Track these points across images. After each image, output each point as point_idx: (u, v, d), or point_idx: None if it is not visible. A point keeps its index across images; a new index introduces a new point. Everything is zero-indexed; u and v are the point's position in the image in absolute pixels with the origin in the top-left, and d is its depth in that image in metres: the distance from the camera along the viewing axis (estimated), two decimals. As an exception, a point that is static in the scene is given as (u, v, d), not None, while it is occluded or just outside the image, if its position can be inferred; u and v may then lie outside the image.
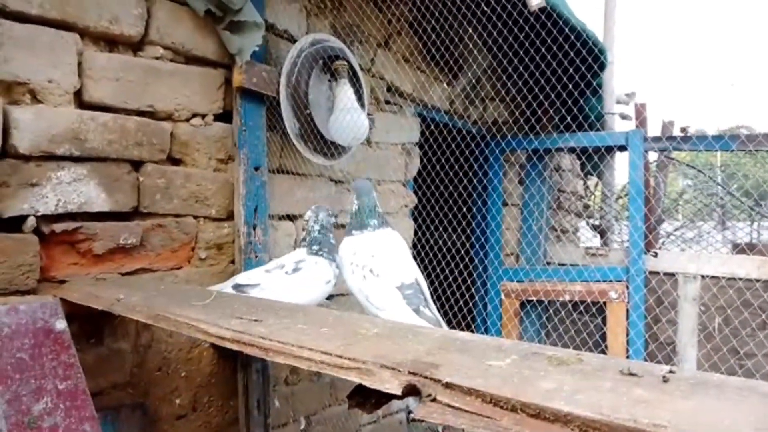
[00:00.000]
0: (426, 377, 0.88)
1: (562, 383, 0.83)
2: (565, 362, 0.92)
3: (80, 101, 1.89)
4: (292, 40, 2.65)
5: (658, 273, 3.97)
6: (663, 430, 0.68)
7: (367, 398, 0.99)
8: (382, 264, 1.89)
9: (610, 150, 4.55)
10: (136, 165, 2.05)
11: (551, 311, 4.36)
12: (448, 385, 0.85)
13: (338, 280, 2.12)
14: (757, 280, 3.62)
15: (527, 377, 0.85)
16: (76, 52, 1.86)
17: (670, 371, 0.86)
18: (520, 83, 3.64)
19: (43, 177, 1.77)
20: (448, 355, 0.97)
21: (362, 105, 2.73)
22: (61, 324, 1.56)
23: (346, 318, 1.29)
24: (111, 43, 2.00)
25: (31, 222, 1.75)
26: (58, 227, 1.81)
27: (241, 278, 2.06)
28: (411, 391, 0.89)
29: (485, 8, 3.09)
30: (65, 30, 1.84)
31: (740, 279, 3.66)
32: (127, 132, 1.99)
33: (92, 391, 1.57)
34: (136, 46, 2.07)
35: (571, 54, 3.37)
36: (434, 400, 0.85)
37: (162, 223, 2.12)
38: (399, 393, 0.89)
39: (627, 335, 3.89)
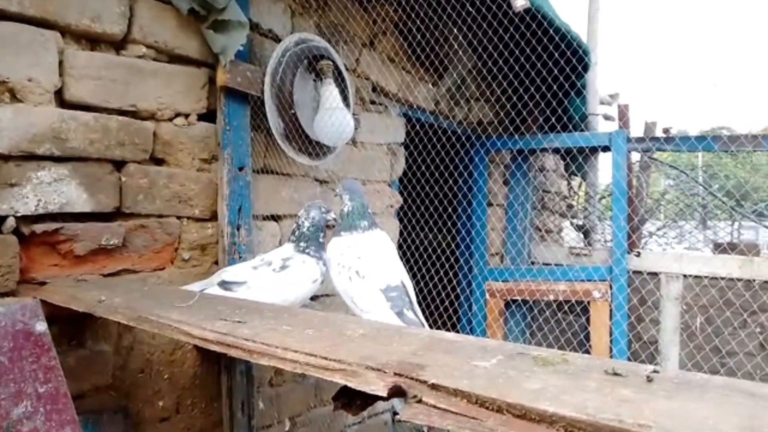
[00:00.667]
0: (412, 378, 0.88)
1: (548, 384, 0.83)
2: (550, 362, 0.92)
3: (61, 100, 1.86)
4: (277, 40, 2.64)
5: (641, 272, 4.00)
6: (648, 430, 0.68)
7: (352, 400, 0.98)
8: (368, 266, 1.88)
9: (594, 150, 4.58)
10: (119, 165, 2.03)
11: (536, 311, 4.38)
12: (433, 386, 0.84)
13: (325, 279, 2.10)
14: (739, 280, 3.66)
15: (513, 378, 0.86)
16: (57, 50, 1.84)
17: (654, 371, 0.87)
18: (505, 84, 3.65)
19: (23, 177, 1.75)
20: (434, 356, 0.97)
21: (347, 105, 2.72)
22: (41, 326, 1.54)
23: (332, 319, 1.28)
24: (93, 41, 1.97)
25: (10, 222, 1.72)
26: (39, 228, 1.78)
27: (228, 275, 2.04)
28: (397, 392, 0.88)
29: (470, 9, 3.10)
30: (46, 28, 1.81)
31: (722, 278, 3.70)
32: (109, 132, 1.97)
33: (73, 394, 1.55)
34: (118, 44, 2.04)
35: (556, 55, 3.39)
36: (420, 401, 0.85)
37: (145, 224, 2.10)
38: (384, 394, 0.89)
39: (611, 334, 3.92)
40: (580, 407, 0.74)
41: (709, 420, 0.70)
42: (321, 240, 2.15)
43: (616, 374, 0.86)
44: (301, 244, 2.11)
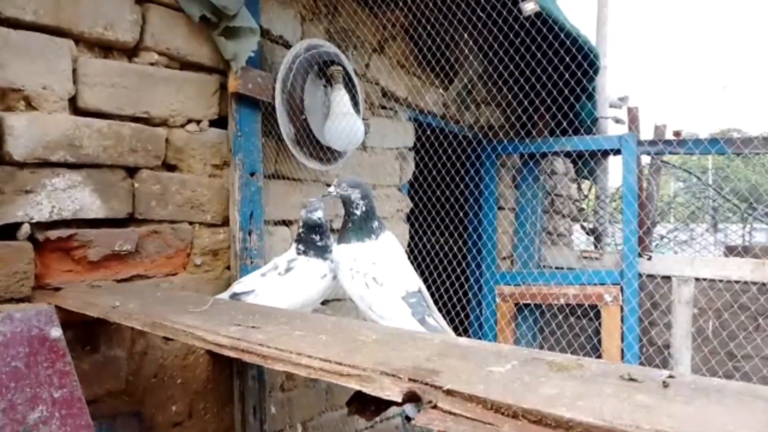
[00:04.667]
0: (426, 384, 0.87)
1: (564, 389, 0.82)
2: (565, 368, 0.92)
3: (75, 108, 1.88)
4: (287, 46, 2.65)
5: (652, 276, 3.97)
6: (666, 436, 0.68)
7: (366, 405, 0.98)
8: (385, 272, 1.82)
9: (605, 154, 4.57)
10: (132, 171, 2.04)
11: (548, 315, 4.36)
12: (449, 392, 0.84)
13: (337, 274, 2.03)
14: (754, 283, 3.63)
15: (528, 383, 0.85)
16: (71, 58, 1.86)
17: (670, 376, 0.86)
18: (515, 88, 3.64)
19: (37, 184, 1.76)
20: (448, 362, 0.97)
21: (358, 110, 2.73)
22: (56, 332, 1.55)
23: (345, 324, 1.28)
24: (106, 49, 1.99)
25: (25, 229, 1.74)
26: (53, 234, 1.80)
27: (239, 286, 2.04)
28: (411, 397, 0.88)
29: (480, 13, 3.10)
30: (60, 36, 1.83)
31: (737, 282, 3.66)
32: (122, 138, 1.98)
33: (88, 399, 1.56)
34: (131, 52, 2.06)
35: (567, 59, 3.38)
36: (435, 407, 0.85)
37: (157, 230, 2.11)
38: (399, 400, 0.88)
39: (622, 339, 3.89)
40: (596, 413, 0.73)
41: (729, 426, 0.70)
42: (318, 242, 2.07)
43: (632, 379, 0.86)
44: (300, 246, 2.09)
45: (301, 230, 2.11)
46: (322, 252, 2.07)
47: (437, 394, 0.86)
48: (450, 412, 0.83)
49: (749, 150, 3.85)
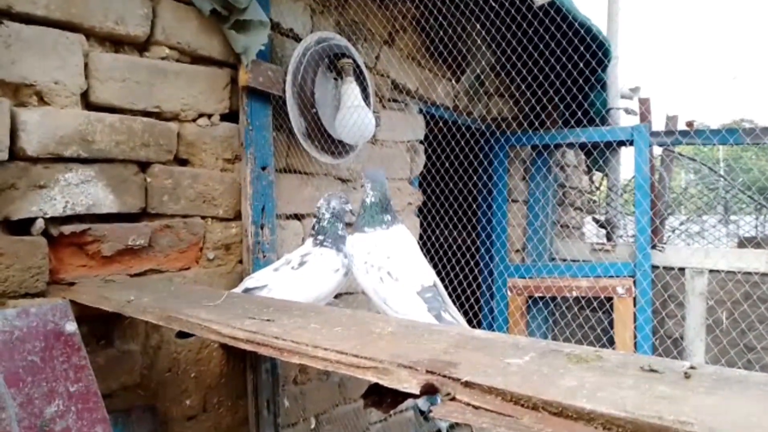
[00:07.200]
0: (444, 376, 0.87)
1: (583, 380, 0.81)
2: (584, 359, 0.91)
3: (87, 102, 1.88)
4: (298, 39, 2.64)
5: (666, 268, 3.93)
6: (689, 427, 0.66)
7: (382, 397, 0.98)
8: (400, 266, 1.81)
9: (619, 145, 4.53)
10: (144, 166, 2.04)
11: (564, 308, 4.33)
12: (467, 384, 0.83)
13: (349, 270, 2.05)
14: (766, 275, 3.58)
15: (547, 375, 0.84)
16: (83, 53, 1.85)
17: (691, 367, 0.85)
18: (529, 78, 3.61)
19: (51, 179, 1.77)
20: (465, 354, 0.96)
21: (368, 103, 2.72)
22: (71, 326, 1.55)
23: (360, 317, 1.28)
24: (117, 43, 1.99)
25: (39, 224, 1.74)
26: (67, 229, 1.80)
27: (251, 281, 2.04)
28: (429, 389, 0.87)
29: (492, 3, 3.07)
30: (71, 31, 1.83)
31: (756, 273, 3.61)
32: (134, 133, 1.98)
33: (103, 393, 1.57)
34: (141, 46, 2.06)
35: (581, 48, 3.35)
36: (453, 399, 0.84)
37: (170, 224, 2.11)
38: (417, 392, 0.88)
39: (636, 331, 3.86)
40: (618, 404, 0.72)
41: (753, 417, 0.69)
42: (340, 232, 2.10)
43: (652, 370, 0.84)
44: (319, 237, 2.09)
45: (326, 221, 2.11)
46: (339, 242, 2.08)
47: (455, 386, 0.85)
48: (469, 404, 0.82)
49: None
